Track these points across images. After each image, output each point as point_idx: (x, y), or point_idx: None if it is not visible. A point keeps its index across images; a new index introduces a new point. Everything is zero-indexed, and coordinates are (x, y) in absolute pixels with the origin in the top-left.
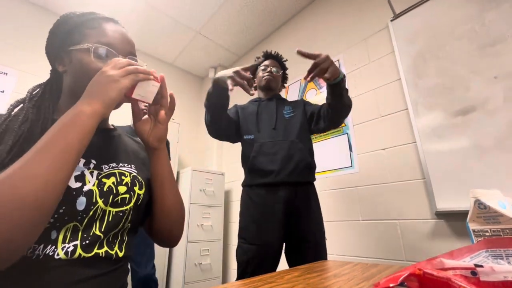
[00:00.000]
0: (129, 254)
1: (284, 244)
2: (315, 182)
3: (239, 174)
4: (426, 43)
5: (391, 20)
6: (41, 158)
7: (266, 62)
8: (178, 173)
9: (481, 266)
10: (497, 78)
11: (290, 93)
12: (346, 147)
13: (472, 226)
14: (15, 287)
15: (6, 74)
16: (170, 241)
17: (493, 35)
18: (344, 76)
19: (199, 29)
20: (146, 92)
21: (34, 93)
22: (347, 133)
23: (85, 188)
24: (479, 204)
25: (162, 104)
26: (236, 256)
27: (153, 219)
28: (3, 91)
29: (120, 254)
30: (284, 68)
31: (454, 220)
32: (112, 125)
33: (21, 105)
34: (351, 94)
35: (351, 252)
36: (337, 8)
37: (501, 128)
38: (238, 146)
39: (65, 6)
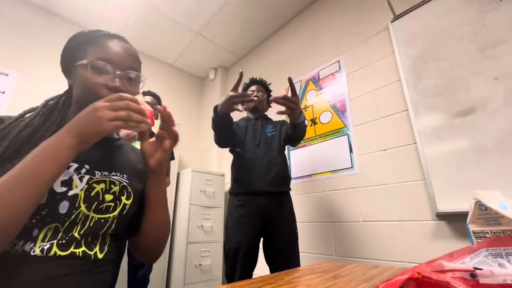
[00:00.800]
0: (112, 258)
1: (261, 242)
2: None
3: None
4: (426, 44)
5: (391, 21)
6: (11, 186)
7: (253, 88)
8: (178, 174)
9: (480, 269)
10: (498, 79)
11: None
12: (346, 148)
13: (472, 227)
14: None
15: (7, 75)
16: (152, 257)
17: (493, 37)
18: (304, 119)
19: (200, 30)
20: (133, 130)
21: (49, 102)
22: (347, 134)
23: (70, 193)
24: (479, 205)
25: (168, 134)
26: (223, 249)
27: (141, 234)
28: (4, 92)
29: (100, 256)
30: (268, 92)
31: (455, 221)
32: (118, 134)
33: (32, 112)
34: (351, 95)
35: (351, 253)
36: (337, 9)
37: (501, 129)
38: None
39: (66, 7)
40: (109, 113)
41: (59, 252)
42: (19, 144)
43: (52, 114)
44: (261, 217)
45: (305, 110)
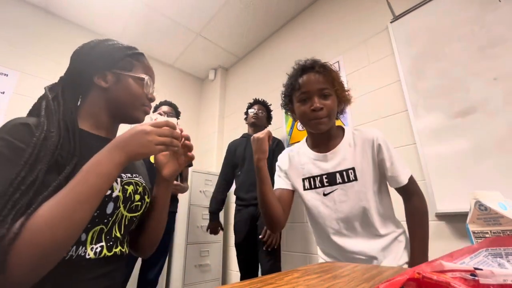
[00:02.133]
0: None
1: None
2: None
3: None
4: (425, 44)
5: (391, 22)
6: (76, 205)
7: (255, 107)
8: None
9: (481, 269)
10: (497, 79)
11: None
12: None
13: (472, 227)
14: (50, 285)
15: (7, 75)
16: (146, 253)
17: (493, 37)
18: None
19: (200, 30)
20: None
21: (49, 103)
22: None
23: (114, 194)
24: (479, 205)
25: (185, 154)
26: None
27: (143, 233)
28: (3, 92)
29: (127, 251)
30: (268, 111)
31: (455, 221)
32: None
33: (41, 119)
34: (351, 95)
35: None
36: (337, 10)
37: (501, 130)
38: None
39: (66, 8)
40: (158, 138)
41: (107, 253)
42: (56, 154)
43: (67, 116)
44: (250, 224)
45: None
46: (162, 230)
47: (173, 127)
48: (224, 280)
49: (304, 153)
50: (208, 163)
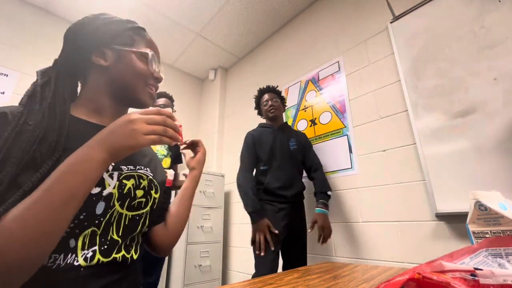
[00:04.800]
0: (139, 257)
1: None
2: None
3: None
4: (425, 45)
5: (391, 22)
6: (49, 210)
7: (266, 97)
8: (177, 175)
9: (481, 269)
10: (497, 80)
11: (290, 94)
12: (346, 149)
13: (472, 227)
14: None
15: (7, 75)
16: (166, 251)
17: (493, 37)
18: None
19: (200, 30)
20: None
21: (43, 80)
22: (347, 135)
23: (105, 192)
24: (479, 205)
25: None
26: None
27: (163, 229)
28: (3, 93)
29: (135, 256)
30: (280, 95)
31: (455, 221)
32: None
33: (20, 108)
34: (351, 95)
35: (351, 253)
36: (337, 10)
37: (501, 130)
38: (238, 148)
39: (66, 8)
40: (146, 127)
41: (102, 259)
42: (38, 143)
43: (57, 103)
44: (285, 221)
45: (305, 111)
46: (184, 225)
47: (167, 115)
48: (224, 280)
49: None
50: (208, 163)
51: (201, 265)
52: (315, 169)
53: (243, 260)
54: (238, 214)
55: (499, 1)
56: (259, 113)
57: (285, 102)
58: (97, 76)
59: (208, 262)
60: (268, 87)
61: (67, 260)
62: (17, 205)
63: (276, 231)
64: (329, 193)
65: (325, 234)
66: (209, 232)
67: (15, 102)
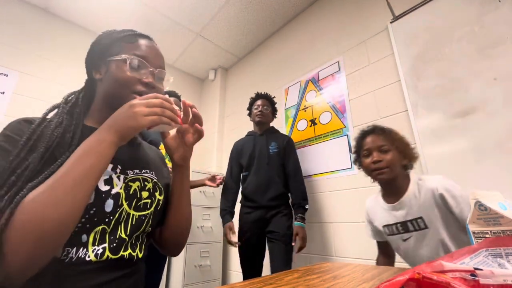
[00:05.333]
0: (144, 257)
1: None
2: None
3: None
4: (425, 45)
5: (391, 22)
6: (63, 184)
7: (258, 102)
8: None
9: (481, 269)
10: (497, 80)
11: (290, 94)
12: (346, 149)
13: (472, 228)
14: None
15: (7, 75)
16: (175, 250)
17: (493, 37)
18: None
19: (199, 31)
20: (165, 128)
21: (68, 99)
22: (347, 135)
23: (113, 191)
24: (479, 205)
25: (194, 130)
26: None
27: (165, 227)
28: (3, 93)
29: (140, 255)
30: (272, 104)
31: None
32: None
33: (56, 110)
34: (351, 95)
35: (351, 253)
36: (337, 10)
37: (500, 130)
38: None
39: (66, 8)
40: (145, 109)
41: (111, 256)
42: (55, 144)
43: (75, 112)
44: (259, 226)
45: (305, 111)
46: (185, 223)
47: (165, 99)
48: (224, 280)
49: (377, 203)
50: (208, 163)
51: (201, 265)
52: (291, 176)
53: None
54: (238, 214)
55: (499, 1)
56: (249, 115)
57: (276, 113)
58: (98, 89)
59: (208, 262)
60: (264, 94)
61: (79, 254)
62: (46, 181)
63: (235, 234)
64: (306, 206)
65: (303, 245)
66: (209, 232)
67: (15, 102)
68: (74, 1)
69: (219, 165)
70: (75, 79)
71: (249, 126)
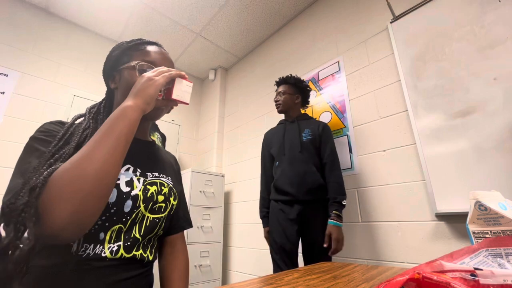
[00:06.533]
0: (155, 258)
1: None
2: None
3: (239, 176)
4: (425, 45)
5: (391, 22)
6: (100, 144)
7: (279, 89)
8: None
9: (481, 269)
10: (497, 80)
11: None
12: (346, 149)
13: (472, 227)
14: (64, 285)
15: (7, 75)
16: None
17: (493, 37)
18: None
19: (200, 31)
20: (183, 92)
21: (92, 109)
22: (347, 135)
23: (133, 193)
24: (479, 205)
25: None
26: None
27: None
28: (3, 93)
29: (151, 257)
30: (298, 87)
31: (455, 221)
32: (152, 138)
33: (82, 118)
34: (351, 95)
35: (351, 253)
36: (337, 10)
37: (501, 130)
38: (238, 148)
39: (66, 8)
40: (155, 75)
41: (124, 254)
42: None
43: (98, 118)
44: (298, 223)
45: (305, 111)
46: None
47: (168, 69)
48: (224, 280)
49: None
50: (208, 163)
51: (201, 265)
52: (327, 167)
53: (243, 260)
54: (238, 214)
55: (499, 1)
56: None
57: (306, 95)
58: (116, 97)
59: (208, 262)
60: (281, 78)
61: (96, 250)
62: (87, 143)
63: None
64: (343, 202)
65: (338, 248)
66: (209, 232)
67: (15, 102)
68: (74, 1)
69: (219, 165)
70: (75, 79)
71: (249, 126)
